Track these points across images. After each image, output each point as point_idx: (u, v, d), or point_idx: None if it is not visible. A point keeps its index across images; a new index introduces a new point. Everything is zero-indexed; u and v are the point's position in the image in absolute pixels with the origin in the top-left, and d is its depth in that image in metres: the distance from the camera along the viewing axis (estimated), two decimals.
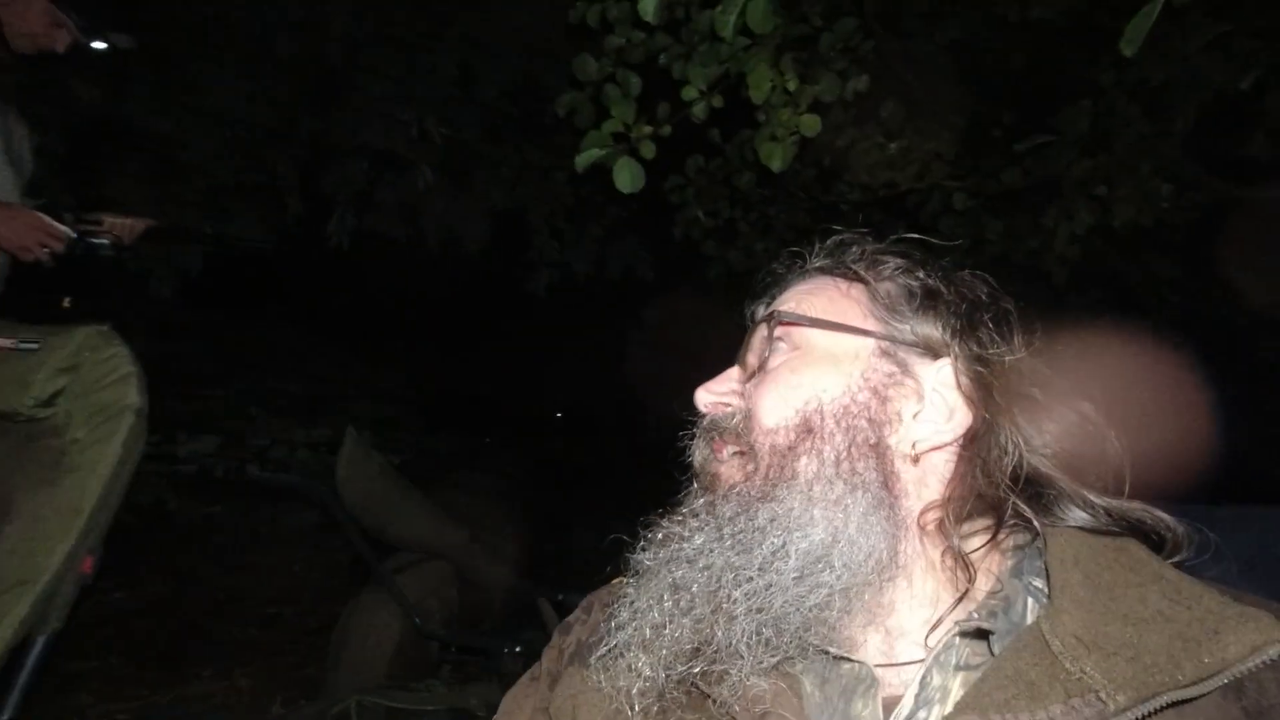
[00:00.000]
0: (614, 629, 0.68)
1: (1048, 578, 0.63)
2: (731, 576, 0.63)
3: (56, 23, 2.00)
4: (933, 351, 0.70)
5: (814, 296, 0.75)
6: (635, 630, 0.66)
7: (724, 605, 0.63)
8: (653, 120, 2.15)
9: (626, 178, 2.11)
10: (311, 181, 4.44)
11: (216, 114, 4.22)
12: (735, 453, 0.72)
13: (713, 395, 0.76)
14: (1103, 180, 2.59)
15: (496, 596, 2.73)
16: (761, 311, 0.81)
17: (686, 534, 0.67)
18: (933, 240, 0.79)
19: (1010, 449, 0.68)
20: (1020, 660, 0.59)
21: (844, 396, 0.68)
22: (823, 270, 0.79)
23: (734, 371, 0.77)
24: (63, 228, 1.99)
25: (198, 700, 2.62)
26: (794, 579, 0.62)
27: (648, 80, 2.31)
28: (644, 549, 0.70)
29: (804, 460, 0.66)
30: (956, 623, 0.64)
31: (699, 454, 0.75)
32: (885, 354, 0.70)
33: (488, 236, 4.97)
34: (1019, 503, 0.66)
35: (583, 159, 2.13)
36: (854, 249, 0.78)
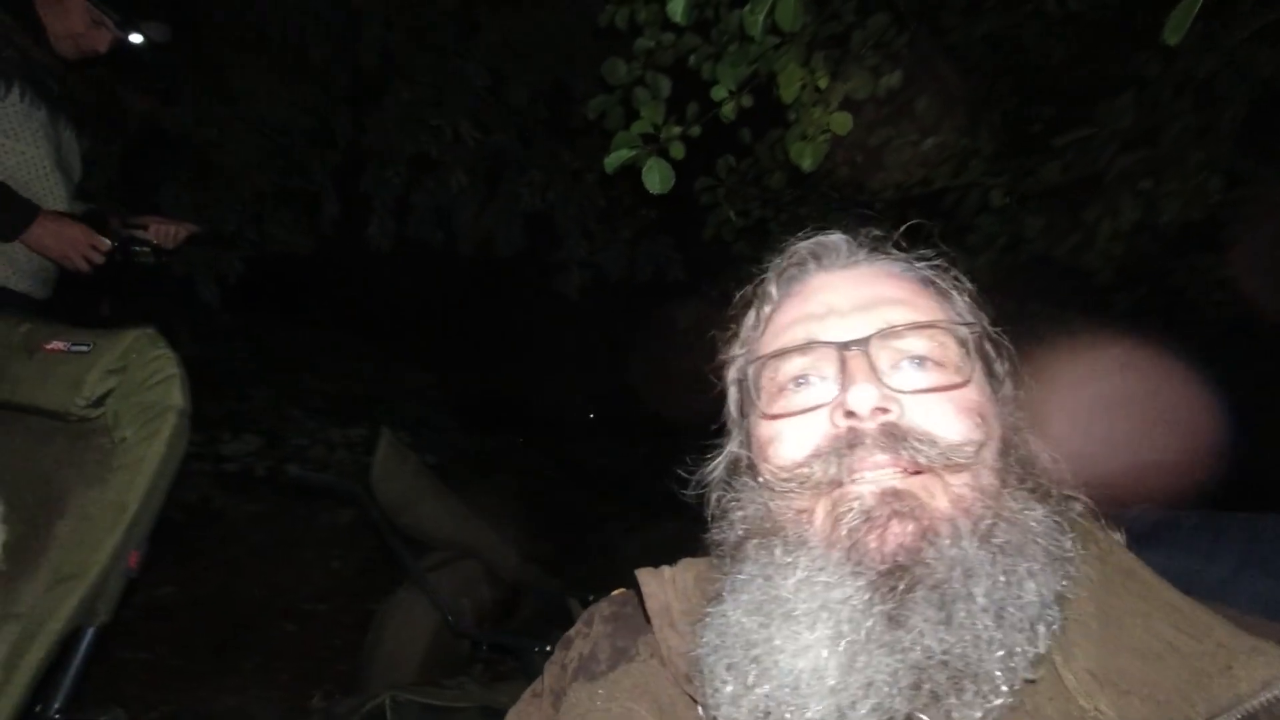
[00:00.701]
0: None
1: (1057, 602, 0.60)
2: (988, 637, 0.55)
3: (96, 21, 2.05)
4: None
5: (925, 300, 0.71)
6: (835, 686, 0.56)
7: (979, 678, 0.55)
8: (682, 121, 2.15)
9: (656, 178, 2.11)
10: (348, 186, 4.54)
11: (256, 121, 4.34)
12: (938, 481, 0.61)
13: (881, 397, 0.63)
14: (1148, 175, 2.51)
15: (527, 596, 2.75)
16: (812, 272, 0.75)
17: (936, 592, 0.56)
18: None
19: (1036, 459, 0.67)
20: (1037, 696, 0.57)
21: (1015, 424, 0.67)
22: (892, 261, 0.75)
23: (864, 365, 0.64)
24: (105, 240, 2.04)
25: (240, 692, 2.70)
26: (1029, 636, 0.56)
27: (678, 81, 2.31)
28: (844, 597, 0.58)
29: (1017, 496, 0.61)
30: None
31: (848, 469, 0.61)
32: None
33: (520, 239, 5.01)
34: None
35: (612, 160, 2.13)
36: (931, 258, 0.75)
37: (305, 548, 3.75)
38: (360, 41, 4.21)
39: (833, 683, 0.56)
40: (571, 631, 0.83)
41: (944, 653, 0.54)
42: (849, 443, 0.62)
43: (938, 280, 0.73)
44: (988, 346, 0.70)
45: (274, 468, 3.75)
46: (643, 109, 2.15)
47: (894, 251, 0.76)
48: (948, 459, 0.60)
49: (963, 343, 0.66)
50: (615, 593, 0.85)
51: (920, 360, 0.65)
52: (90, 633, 1.20)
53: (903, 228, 0.79)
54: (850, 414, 0.63)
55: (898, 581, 0.57)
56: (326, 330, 6.32)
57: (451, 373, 6.85)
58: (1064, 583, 0.59)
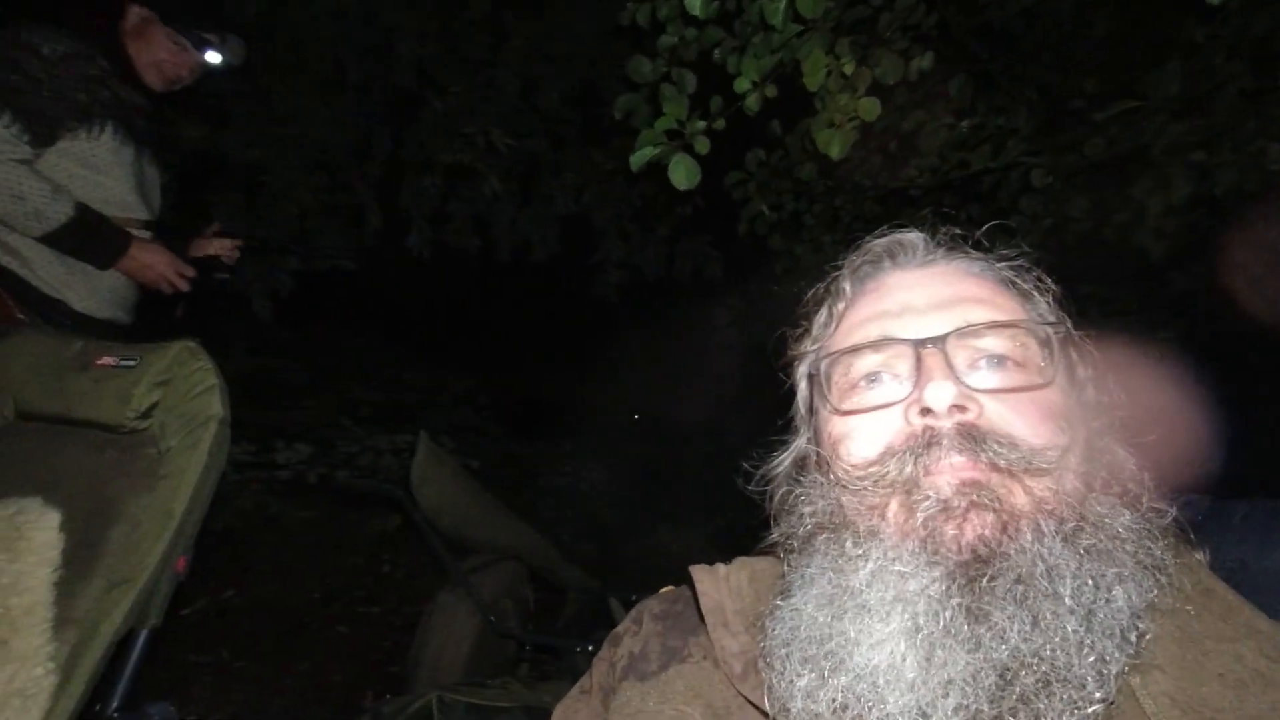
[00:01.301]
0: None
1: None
2: (1076, 646, 0.53)
3: (177, 45, 2.13)
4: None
5: (1005, 298, 0.69)
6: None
7: (1071, 685, 0.52)
8: (706, 115, 2.13)
9: (682, 174, 2.10)
10: (388, 198, 4.66)
11: (301, 141, 4.49)
12: (1020, 485, 0.58)
13: (958, 395, 0.60)
14: (1199, 145, 2.38)
15: (570, 597, 2.77)
16: (887, 272, 0.73)
17: (1019, 591, 0.53)
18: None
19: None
20: None
21: (1098, 431, 0.64)
22: (979, 263, 0.72)
23: (941, 362, 0.62)
24: (189, 267, 2.16)
25: (296, 693, 2.79)
26: (1120, 642, 0.54)
27: (704, 77, 2.29)
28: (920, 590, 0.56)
29: (1103, 501, 0.59)
30: None
31: (925, 467, 0.60)
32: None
33: (556, 242, 5.05)
34: None
35: (637, 158, 2.13)
36: (1010, 256, 0.72)
37: (356, 552, 3.85)
38: (395, 58, 4.32)
39: (911, 677, 0.54)
40: (620, 628, 0.82)
41: (1032, 653, 0.52)
42: (925, 442, 0.60)
43: (1019, 280, 0.70)
44: (1071, 349, 0.67)
45: (324, 475, 3.88)
46: (666, 105, 2.14)
47: (973, 250, 0.74)
48: (1028, 463, 0.58)
49: (1045, 343, 0.63)
50: (664, 590, 0.85)
51: (1000, 360, 0.63)
52: (144, 634, 1.25)
53: (984, 227, 0.77)
54: (926, 411, 0.61)
55: (977, 573, 0.54)
56: (374, 340, 6.50)
57: (494, 377, 6.96)
58: (1155, 593, 0.56)
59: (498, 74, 4.29)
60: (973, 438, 0.59)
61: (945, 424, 0.60)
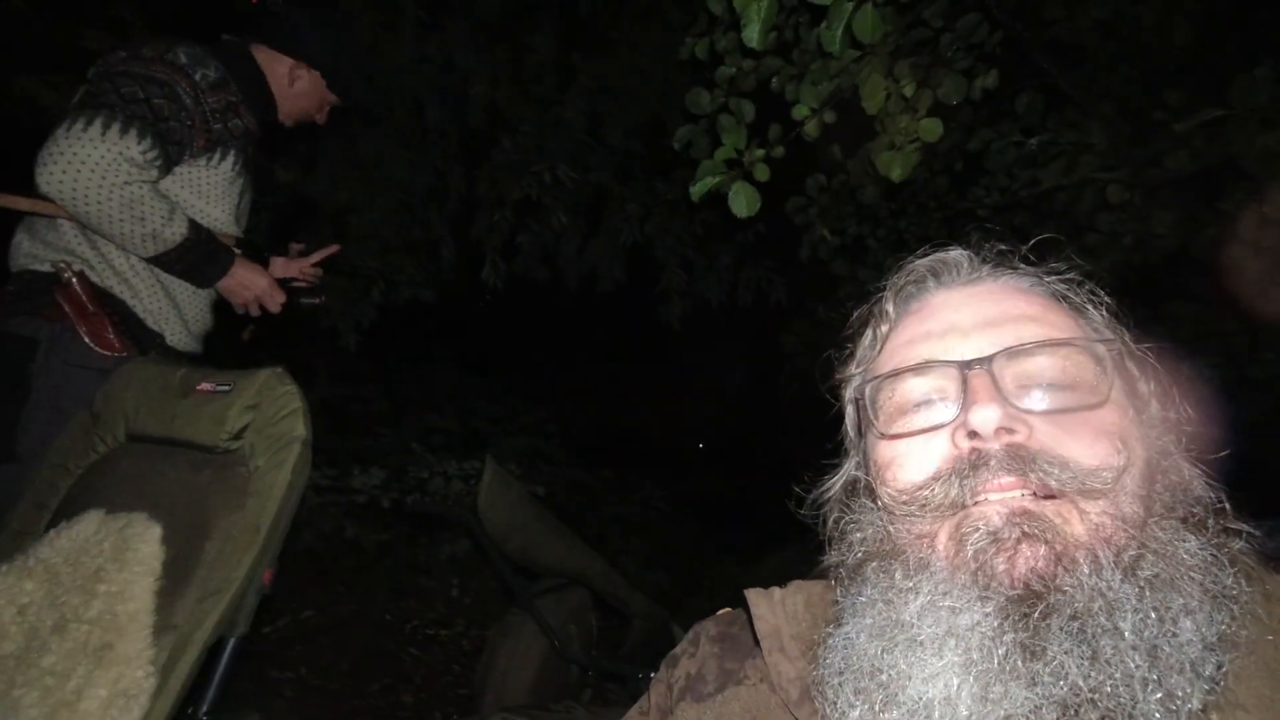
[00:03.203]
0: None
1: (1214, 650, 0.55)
2: (1142, 682, 0.50)
3: (328, 101, 2.23)
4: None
5: (1055, 315, 0.66)
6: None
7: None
8: (765, 144, 2.15)
9: (742, 203, 2.12)
10: (462, 234, 4.87)
11: (383, 183, 4.76)
12: (1075, 509, 0.57)
13: (1005, 417, 0.59)
14: None
15: (634, 624, 2.76)
16: (933, 292, 0.72)
17: (1076, 623, 0.51)
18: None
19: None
20: None
21: (1161, 450, 0.61)
22: (1017, 275, 0.71)
23: (988, 383, 0.61)
24: (283, 293, 2.15)
25: (369, 713, 2.88)
26: (1192, 676, 0.51)
27: (762, 105, 2.32)
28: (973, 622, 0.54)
29: (1165, 526, 0.56)
30: None
31: (975, 491, 0.58)
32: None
33: (622, 272, 5.14)
34: None
35: (698, 188, 2.16)
36: (1061, 271, 0.70)
37: (428, 575, 3.97)
38: (469, 101, 4.56)
39: (966, 713, 0.52)
40: (677, 650, 0.83)
41: (1092, 690, 0.50)
42: (972, 464, 0.59)
43: (1071, 294, 0.68)
44: (1129, 364, 0.64)
45: (397, 499, 4.03)
46: (725, 135, 2.18)
47: (1021, 266, 0.72)
48: (1083, 484, 0.56)
49: (1099, 360, 0.61)
50: (721, 612, 0.85)
51: (1051, 379, 0.61)
52: (231, 643, 1.33)
53: (1031, 242, 0.75)
54: (973, 434, 0.59)
55: (1031, 608, 0.52)
56: (448, 369, 6.74)
57: (563, 406, 7.08)
58: (1227, 624, 0.53)
59: (565, 111, 4.45)
60: (1021, 458, 0.57)
61: (993, 446, 0.58)
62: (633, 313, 5.91)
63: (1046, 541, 0.54)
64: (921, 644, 0.56)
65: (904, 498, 0.63)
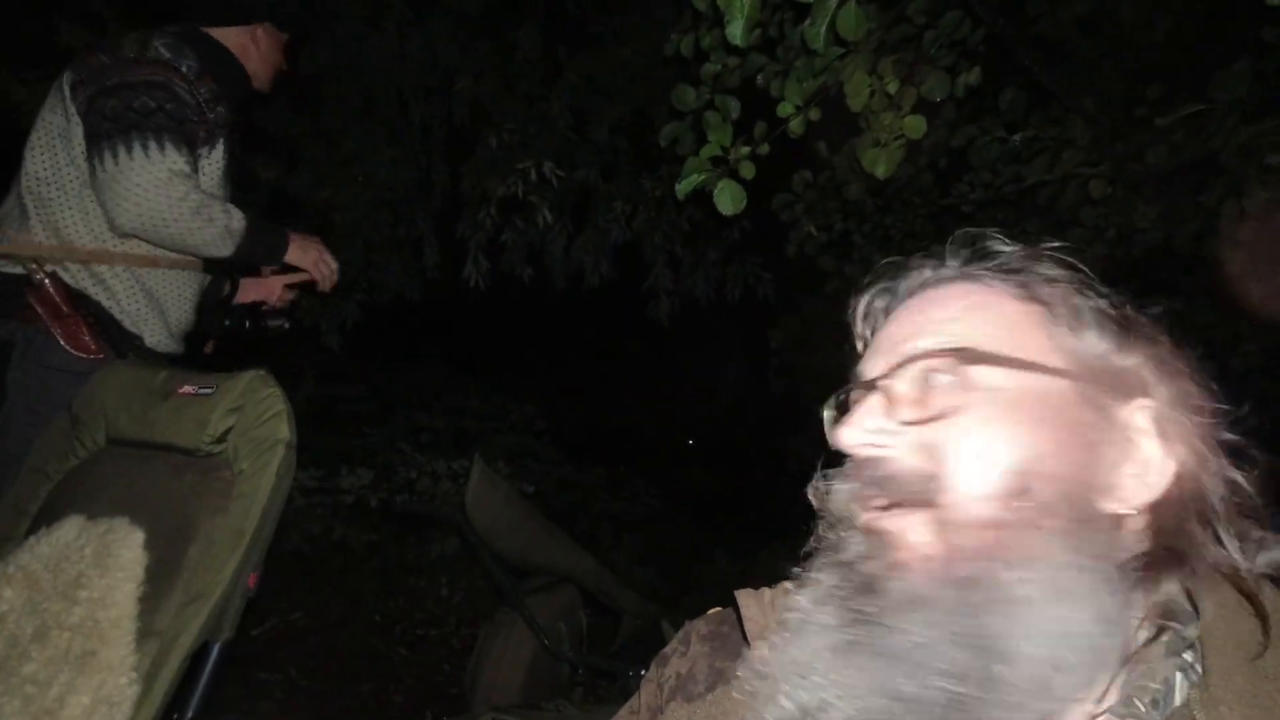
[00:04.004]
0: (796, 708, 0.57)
1: (1199, 648, 0.55)
2: (966, 685, 0.52)
3: (282, 44, 2.19)
4: (1129, 391, 0.60)
5: (987, 316, 0.63)
6: None
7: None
8: (750, 141, 2.14)
9: (728, 201, 2.11)
10: (446, 231, 4.84)
11: (366, 179, 4.72)
12: (918, 518, 0.59)
13: (865, 434, 0.62)
14: (1275, 148, 2.25)
15: (625, 621, 2.77)
16: (882, 313, 0.73)
17: (889, 621, 0.55)
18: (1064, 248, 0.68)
19: (1212, 504, 0.58)
20: None
21: (1056, 455, 0.57)
22: (977, 277, 0.68)
23: (876, 402, 0.63)
24: (334, 259, 2.16)
25: (359, 713, 2.87)
26: (1031, 690, 0.52)
27: (748, 102, 2.32)
28: (814, 622, 0.59)
29: (1025, 537, 0.54)
30: (1116, 713, 0.55)
31: (852, 505, 0.63)
32: (1084, 398, 0.59)
33: (609, 269, 5.13)
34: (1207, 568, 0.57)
35: (683, 186, 2.16)
36: (1012, 254, 0.67)
37: (417, 575, 3.95)
38: (453, 97, 4.53)
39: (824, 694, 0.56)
40: (668, 649, 0.82)
41: (917, 691, 0.52)
42: (846, 477, 0.64)
43: (1031, 290, 0.65)
44: (1054, 364, 0.61)
45: (384, 499, 4.01)
46: (711, 132, 2.17)
47: (973, 268, 0.69)
48: (932, 497, 0.57)
49: (980, 360, 0.60)
50: (712, 611, 0.85)
51: (907, 396, 0.62)
52: (216, 648, 1.32)
53: (983, 236, 0.72)
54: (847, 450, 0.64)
55: (867, 607, 0.56)
56: (434, 368, 6.71)
57: (551, 404, 7.08)
58: (1102, 639, 0.53)
59: (550, 108, 4.43)
60: (883, 475, 0.60)
61: (861, 462, 0.63)
62: (621, 310, 5.90)
63: (893, 549, 0.58)
64: (795, 630, 0.61)
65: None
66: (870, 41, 1.97)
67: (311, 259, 2.12)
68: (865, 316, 0.75)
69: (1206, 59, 2.48)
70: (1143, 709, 0.55)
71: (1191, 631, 0.57)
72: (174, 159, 1.79)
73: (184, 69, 1.87)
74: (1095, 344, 0.61)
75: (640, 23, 4.34)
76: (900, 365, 0.63)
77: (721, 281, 5.12)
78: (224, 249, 1.89)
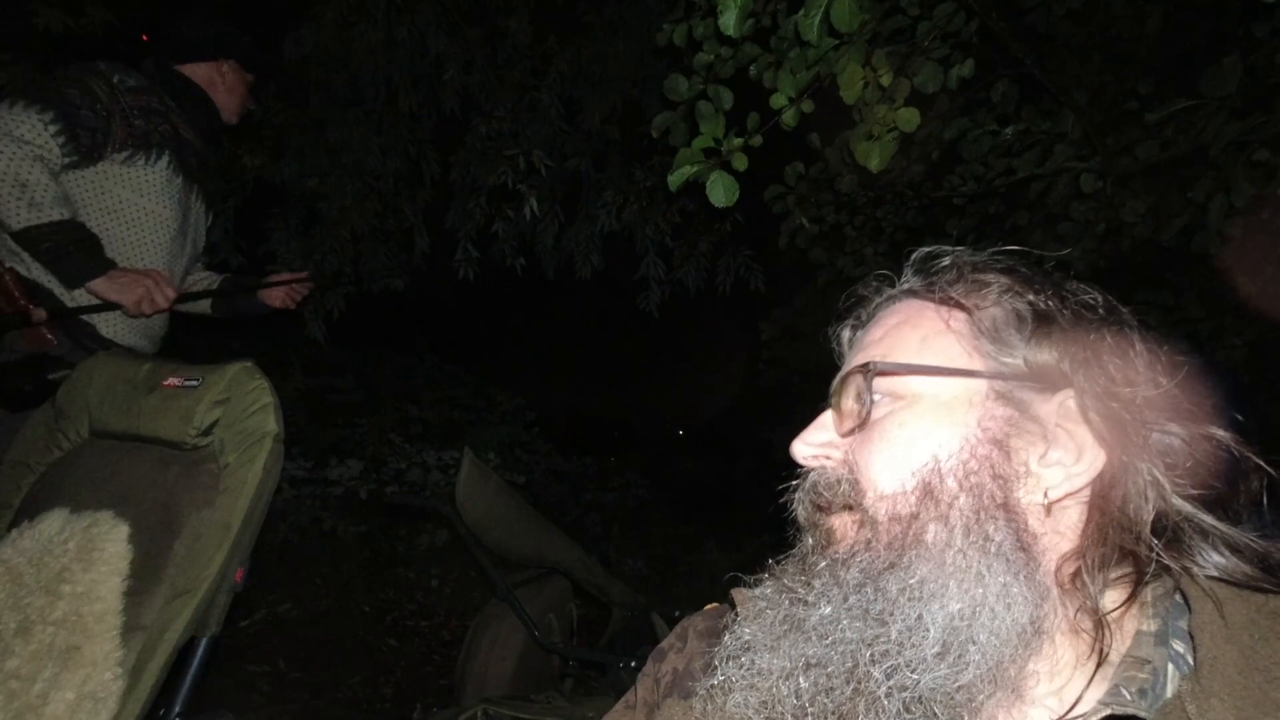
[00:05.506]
0: (729, 688, 0.64)
1: (1192, 641, 0.56)
2: (868, 653, 0.58)
3: (248, 82, 2.36)
4: (1052, 384, 0.62)
5: (909, 330, 0.69)
6: (763, 702, 0.62)
7: (864, 685, 0.58)
8: (743, 132, 2.13)
9: (720, 193, 2.10)
10: (435, 221, 4.79)
11: (353, 168, 4.67)
12: (848, 516, 0.67)
13: (811, 448, 0.71)
14: (1263, 144, 2.26)
15: (614, 612, 2.77)
16: (847, 343, 0.78)
17: (811, 599, 0.62)
18: (1035, 252, 0.71)
19: (1149, 489, 0.60)
20: None
21: (963, 452, 0.61)
22: (915, 293, 0.72)
23: (828, 418, 0.71)
24: (171, 291, 2.08)
25: (348, 705, 2.86)
26: (936, 655, 0.56)
27: (741, 93, 2.30)
28: (765, 603, 0.66)
29: (930, 528, 0.60)
30: (1103, 703, 0.57)
31: (802, 509, 0.71)
32: (1000, 395, 0.63)
33: (600, 260, 5.11)
34: (1161, 553, 0.58)
35: (675, 178, 2.14)
36: (949, 267, 0.70)
37: (407, 566, 3.94)
38: (442, 86, 4.47)
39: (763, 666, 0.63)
40: (664, 644, 0.83)
41: (826, 659, 0.60)
42: (799, 485, 0.73)
43: (958, 298, 0.68)
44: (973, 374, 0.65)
45: (374, 490, 3.99)
46: (703, 123, 2.15)
47: (917, 282, 0.73)
48: (853, 499, 0.66)
49: (861, 392, 0.67)
50: (709, 607, 0.86)
51: (843, 410, 0.69)
52: (204, 642, 1.31)
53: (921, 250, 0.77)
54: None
55: (802, 590, 0.64)
56: (424, 359, 6.67)
57: (542, 395, 7.06)
58: (1008, 616, 0.57)
59: (540, 97, 4.39)
60: (822, 483, 0.69)
61: (807, 472, 0.72)
62: (611, 301, 5.89)
63: (828, 543, 0.67)
64: (749, 613, 0.68)
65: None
66: (864, 33, 1.96)
67: (133, 298, 2.02)
68: (844, 341, 0.82)
69: (1197, 54, 2.49)
70: (1129, 698, 0.56)
71: (1182, 622, 0.58)
72: (20, 120, 1.86)
73: (115, 79, 2.02)
74: (1014, 343, 0.64)
75: (632, 12, 4.30)
76: (840, 383, 0.70)
77: (712, 273, 5.11)
78: (16, 219, 1.87)
